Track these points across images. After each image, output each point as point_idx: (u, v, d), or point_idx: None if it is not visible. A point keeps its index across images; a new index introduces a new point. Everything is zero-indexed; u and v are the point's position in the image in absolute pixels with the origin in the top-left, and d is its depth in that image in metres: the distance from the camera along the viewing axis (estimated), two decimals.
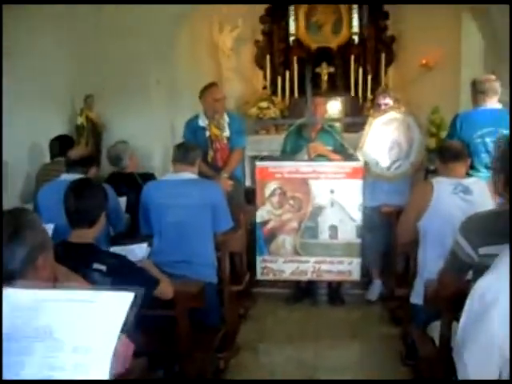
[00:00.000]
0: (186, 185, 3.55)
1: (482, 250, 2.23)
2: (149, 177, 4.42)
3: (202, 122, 4.81)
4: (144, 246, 3.01)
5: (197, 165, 3.73)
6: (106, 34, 5.78)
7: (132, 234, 3.81)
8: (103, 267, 2.38)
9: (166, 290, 2.64)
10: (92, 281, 2.30)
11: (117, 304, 1.54)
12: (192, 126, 4.89)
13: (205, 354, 3.16)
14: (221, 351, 3.65)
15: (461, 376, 1.41)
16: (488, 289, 1.23)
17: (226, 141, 4.72)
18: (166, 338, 2.83)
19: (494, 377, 1.32)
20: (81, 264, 2.34)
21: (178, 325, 2.76)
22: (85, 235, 2.53)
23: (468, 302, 1.31)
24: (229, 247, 3.76)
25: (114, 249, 2.82)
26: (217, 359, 3.60)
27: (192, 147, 3.75)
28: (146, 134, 6.04)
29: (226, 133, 4.73)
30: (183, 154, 3.66)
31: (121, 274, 2.40)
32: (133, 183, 4.29)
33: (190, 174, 3.61)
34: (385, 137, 4.67)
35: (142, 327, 2.47)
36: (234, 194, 4.66)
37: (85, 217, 2.52)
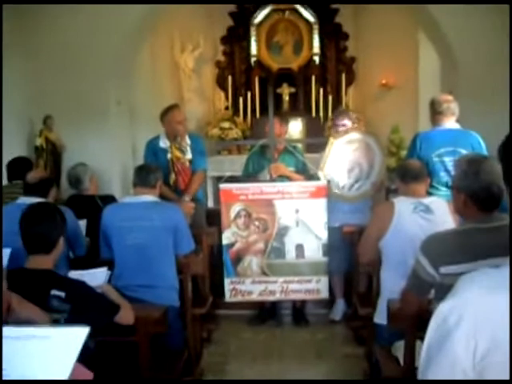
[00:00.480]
0: (146, 207, 3.51)
1: (443, 270, 2.25)
2: (109, 199, 4.36)
3: (164, 143, 4.75)
4: (104, 270, 2.94)
5: (158, 187, 3.69)
6: (65, 52, 5.70)
7: (92, 258, 3.73)
8: (62, 293, 2.32)
9: (126, 315, 2.58)
10: (50, 308, 2.24)
11: (71, 339, 1.53)
12: (153, 147, 4.83)
13: (168, 378, 3.10)
14: (185, 375, 3.59)
15: None
16: (450, 312, 1.23)
17: (188, 164, 4.68)
18: (128, 365, 2.77)
19: None
20: (39, 291, 2.28)
21: (139, 350, 2.70)
22: (42, 261, 2.45)
23: (430, 325, 1.31)
24: (191, 270, 3.71)
25: (74, 273, 2.76)
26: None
27: (153, 169, 3.70)
28: (107, 155, 5.95)
29: (188, 156, 4.69)
30: (144, 176, 3.61)
31: (80, 301, 2.34)
32: (93, 206, 4.22)
33: (150, 197, 3.57)
34: (345, 158, 4.69)
35: (103, 354, 2.43)
36: (195, 216, 4.62)
37: (42, 243, 2.45)
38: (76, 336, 1.53)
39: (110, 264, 3.29)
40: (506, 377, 1.21)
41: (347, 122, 4.85)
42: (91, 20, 5.63)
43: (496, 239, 2.08)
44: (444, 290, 1.52)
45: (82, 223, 3.94)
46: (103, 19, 5.64)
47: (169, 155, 4.68)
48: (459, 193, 2.29)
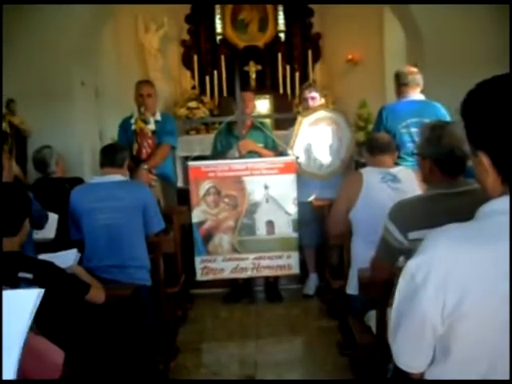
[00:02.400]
0: (115, 187, 3.47)
1: (412, 235, 2.27)
2: (77, 182, 4.28)
3: (133, 118, 4.72)
4: (73, 251, 2.90)
5: (125, 166, 3.65)
6: (24, 34, 5.56)
7: (61, 242, 3.68)
8: (29, 275, 2.28)
9: (97, 294, 2.56)
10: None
11: (23, 302, 1.51)
12: (124, 125, 4.81)
13: (142, 358, 3.09)
14: (160, 354, 3.59)
15: (396, 360, 1.42)
16: (417, 269, 1.24)
17: (150, 134, 4.61)
18: (101, 345, 2.75)
19: (427, 358, 1.33)
20: (6, 273, 2.24)
21: (113, 329, 2.68)
22: (9, 244, 2.41)
23: (399, 283, 1.32)
24: (162, 248, 3.69)
25: (43, 257, 2.72)
26: (155, 362, 3.53)
27: (120, 148, 3.67)
28: (73, 137, 5.85)
29: (151, 126, 4.61)
30: (111, 156, 3.57)
31: (48, 281, 2.30)
32: (61, 189, 4.15)
33: (118, 177, 3.53)
34: (314, 136, 4.70)
35: (74, 334, 2.40)
36: (165, 196, 4.59)
37: (7, 224, 2.40)
38: (28, 299, 1.51)
39: (79, 246, 3.25)
40: (475, 332, 1.22)
41: (315, 95, 4.84)
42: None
43: (463, 204, 2.09)
44: (413, 255, 1.54)
45: (53, 216, 3.87)
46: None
47: (133, 126, 4.62)
48: (424, 160, 2.31)
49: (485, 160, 1.21)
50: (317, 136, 4.70)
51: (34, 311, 1.48)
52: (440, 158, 2.24)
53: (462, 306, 1.18)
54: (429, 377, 1.36)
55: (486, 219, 1.22)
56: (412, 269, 1.27)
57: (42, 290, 1.53)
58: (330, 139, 4.70)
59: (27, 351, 1.59)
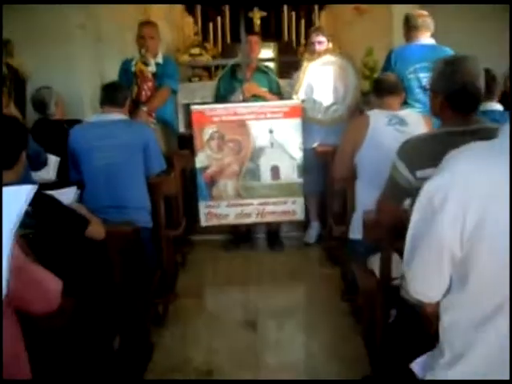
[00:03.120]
0: (114, 126, 3.38)
1: (420, 173, 2.20)
2: (77, 124, 4.21)
3: (134, 60, 4.60)
4: (73, 189, 2.86)
5: (126, 106, 3.56)
6: None
7: (62, 183, 3.62)
8: (28, 208, 2.23)
9: (97, 229, 2.51)
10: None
11: (15, 197, 1.51)
12: (125, 66, 4.67)
13: (142, 298, 3.07)
14: (159, 297, 3.57)
15: (410, 288, 1.36)
16: (436, 191, 1.17)
17: (150, 76, 4.49)
18: (101, 283, 2.72)
19: (444, 285, 1.28)
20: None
21: (113, 266, 2.64)
22: (6, 176, 2.35)
23: (416, 205, 1.25)
24: (163, 190, 3.63)
25: None
26: (155, 305, 3.52)
27: (120, 87, 3.57)
28: (73, 81, 5.73)
29: (152, 68, 4.49)
30: (111, 94, 3.48)
31: (48, 215, 2.26)
32: (60, 130, 4.07)
33: (119, 115, 3.44)
34: (320, 81, 4.60)
35: (74, 269, 2.36)
36: (166, 141, 4.51)
37: (4, 156, 2.34)
38: (15, 197, 1.50)
39: (79, 186, 3.20)
40: (495, 256, 1.16)
41: (323, 39, 4.72)
42: None
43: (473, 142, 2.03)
44: None
45: (52, 158, 3.81)
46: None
47: (133, 68, 4.51)
48: (436, 95, 2.22)
49: None
50: (322, 80, 4.59)
51: (25, 206, 1.49)
52: (451, 94, 2.16)
53: (483, 225, 1.12)
54: (443, 306, 1.31)
55: (505, 135, 1.15)
56: (430, 190, 1.20)
57: (36, 186, 1.54)
58: (337, 84, 4.60)
59: (26, 278, 1.55)
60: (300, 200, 4.63)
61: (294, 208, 4.63)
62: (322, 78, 4.60)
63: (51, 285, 1.66)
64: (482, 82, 2.16)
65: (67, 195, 2.77)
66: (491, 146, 1.18)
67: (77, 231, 2.40)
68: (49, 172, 3.80)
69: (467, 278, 1.20)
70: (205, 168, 4.54)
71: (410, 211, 2.30)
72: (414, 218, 1.27)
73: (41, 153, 3.64)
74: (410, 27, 4.19)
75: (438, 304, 1.35)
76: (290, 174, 4.56)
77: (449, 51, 4.12)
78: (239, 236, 4.98)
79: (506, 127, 1.16)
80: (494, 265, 1.16)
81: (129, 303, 2.84)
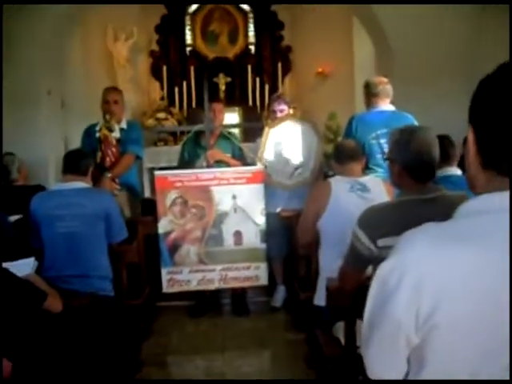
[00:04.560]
0: (77, 194, 3.36)
1: (380, 242, 2.22)
2: (40, 189, 4.17)
3: (98, 126, 4.62)
4: (31, 260, 2.80)
5: (89, 174, 3.55)
6: None
7: (20, 250, 3.55)
8: None
9: (54, 303, 2.45)
10: None
11: None
12: (90, 131, 4.68)
13: (104, 370, 2.98)
14: (123, 368, 3.47)
15: (368, 372, 1.34)
16: (390, 273, 1.15)
17: (114, 142, 4.51)
18: (60, 356, 2.63)
19: (401, 369, 1.25)
20: None
21: (72, 339, 2.57)
22: None
23: (371, 289, 1.23)
24: (125, 259, 3.59)
25: None
26: (119, 376, 3.41)
27: (83, 155, 3.57)
28: (38, 146, 5.72)
29: (116, 134, 4.52)
30: (74, 162, 3.47)
31: (3, 289, 2.19)
32: (23, 196, 4.02)
33: (81, 184, 3.42)
34: (282, 146, 4.65)
35: (31, 344, 2.29)
36: (129, 205, 4.49)
37: None
38: None
39: (38, 255, 3.14)
40: (452, 345, 1.13)
41: (284, 107, 4.80)
42: (20, 7, 5.38)
43: (432, 211, 2.05)
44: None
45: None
46: (31, 6, 5.40)
47: (97, 134, 4.52)
48: (393, 164, 2.27)
49: (470, 136, 1.14)
50: (284, 145, 4.65)
51: None
52: (408, 163, 2.21)
53: (438, 312, 1.10)
54: None
55: (467, 218, 1.14)
56: (384, 272, 1.17)
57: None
58: (299, 148, 4.65)
59: None
60: (263, 265, 4.60)
61: (257, 273, 4.59)
62: (284, 143, 4.65)
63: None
64: (436, 151, 2.22)
65: (24, 266, 2.71)
66: (449, 226, 1.17)
67: (33, 305, 2.34)
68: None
69: (424, 363, 1.18)
70: (167, 233, 4.50)
71: (372, 278, 2.32)
72: (369, 301, 1.25)
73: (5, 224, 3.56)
74: (370, 94, 4.30)
75: None
76: (252, 239, 4.54)
77: (409, 117, 4.23)
78: (204, 301, 4.90)
79: (468, 209, 1.16)
80: (453, 351, 1.13)
81: (90, 374, 2.75)
